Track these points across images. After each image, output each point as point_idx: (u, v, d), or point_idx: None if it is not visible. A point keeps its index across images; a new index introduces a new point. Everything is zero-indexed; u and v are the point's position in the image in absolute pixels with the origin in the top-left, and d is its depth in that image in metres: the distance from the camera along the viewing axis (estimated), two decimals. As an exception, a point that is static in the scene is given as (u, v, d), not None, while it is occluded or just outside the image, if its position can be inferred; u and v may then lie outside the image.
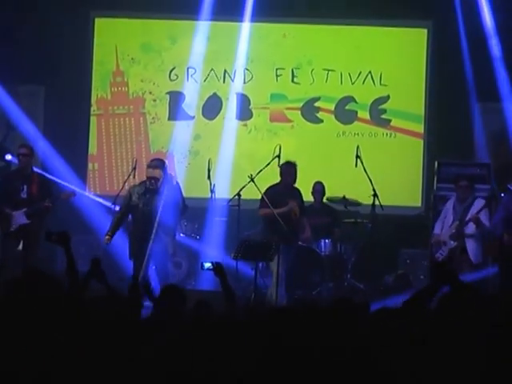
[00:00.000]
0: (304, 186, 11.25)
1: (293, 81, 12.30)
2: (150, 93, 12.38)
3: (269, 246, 9.28)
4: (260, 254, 9.19)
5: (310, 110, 12.27)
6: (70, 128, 12.18)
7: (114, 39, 12.42)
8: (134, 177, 9.99)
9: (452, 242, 9.63)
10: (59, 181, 10.76)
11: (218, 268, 5.61)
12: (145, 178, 9.24)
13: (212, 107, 12.32)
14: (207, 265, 5.50)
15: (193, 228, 11.29)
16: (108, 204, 10.48)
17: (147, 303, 5.66)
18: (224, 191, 11.09)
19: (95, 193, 12.04)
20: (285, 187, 9.55)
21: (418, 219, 11.66)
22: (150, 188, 8.96)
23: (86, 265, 5.63)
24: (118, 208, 9.23)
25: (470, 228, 9.63)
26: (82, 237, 11.45)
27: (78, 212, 11.35)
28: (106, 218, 10.66)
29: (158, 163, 9.22)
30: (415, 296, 4.58)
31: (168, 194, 8.96)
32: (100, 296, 4.27)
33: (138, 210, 9.01)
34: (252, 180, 9.50)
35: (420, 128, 12.13)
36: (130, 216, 9.31)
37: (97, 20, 12.43)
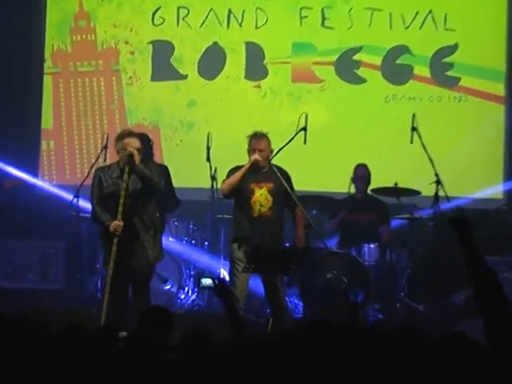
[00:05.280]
0: (340, 171, 10.97)
1: (323, 25, 11.76)
2: (126, 42, 11.81)
3: (290, 254, 9.14)
4: (279, 264, 9.02)
5: (347, 66, 11.69)
6: (16, 92, 11.59)
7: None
8: (104, 159, 9.23)
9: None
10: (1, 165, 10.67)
11: (220, 286, 5.26)
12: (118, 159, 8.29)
13: (212, 62, 11.81)
14: (206, 281, 5.32)
15: (187, 229, 10.96)
16: (68, 197, 10.34)
17: (123, 333, 5.55)
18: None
19: (51, 182, 11.76)
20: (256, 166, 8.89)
21: (497, 214, 11.13)
22: (127, 167, 8.26)
23: (39, 276, 5.54)
24: (90, 202, 8.83)
25: None
26: (35, 243, 11.37)
27: (29, 209, 11.23)
28: (65, 216, 10.52)
29: (134, 133, 8.66)
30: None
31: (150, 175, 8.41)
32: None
33: (113, 199, 8.51)
34: (269, 162, 9.32)
35: (500, 89, 11.54)
36: None
37: None
